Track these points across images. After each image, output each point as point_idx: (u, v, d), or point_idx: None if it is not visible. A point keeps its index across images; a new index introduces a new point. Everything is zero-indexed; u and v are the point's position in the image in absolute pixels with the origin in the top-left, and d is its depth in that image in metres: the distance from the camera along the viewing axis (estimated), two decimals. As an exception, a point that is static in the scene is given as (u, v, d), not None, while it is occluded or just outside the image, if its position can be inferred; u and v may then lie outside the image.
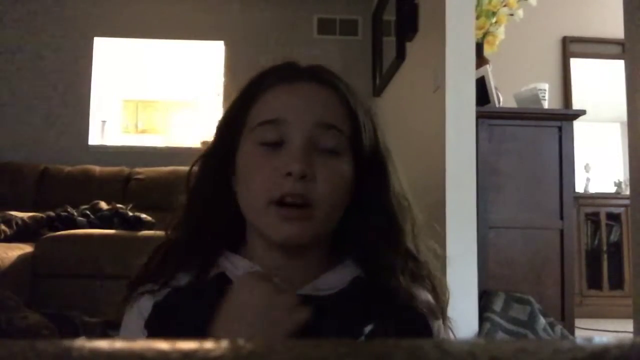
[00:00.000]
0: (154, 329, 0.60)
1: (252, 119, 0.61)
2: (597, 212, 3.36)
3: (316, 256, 0.62)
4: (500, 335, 2.01)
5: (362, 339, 0.56)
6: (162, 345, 0.18)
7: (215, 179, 0.64)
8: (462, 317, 2.03)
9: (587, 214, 3.35)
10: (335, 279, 0.61)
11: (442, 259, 0.67)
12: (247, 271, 0.59)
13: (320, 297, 0.60)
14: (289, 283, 0.58)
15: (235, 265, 0.62)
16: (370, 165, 0.62)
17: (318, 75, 0.62)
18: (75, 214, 2.86)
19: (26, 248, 2.59)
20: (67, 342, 0.18)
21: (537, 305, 2.13)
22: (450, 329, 0.65)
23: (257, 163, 0.59)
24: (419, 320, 0.61)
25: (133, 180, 3.39)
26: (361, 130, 0.62)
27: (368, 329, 0.58)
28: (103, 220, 2.80)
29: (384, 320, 0.58)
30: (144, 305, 0.61)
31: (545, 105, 2.49)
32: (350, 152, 0.61)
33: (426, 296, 0.63)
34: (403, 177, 0.66)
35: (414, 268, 0.62)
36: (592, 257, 3.31)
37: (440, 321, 0.64)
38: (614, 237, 3.35)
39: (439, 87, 2.19)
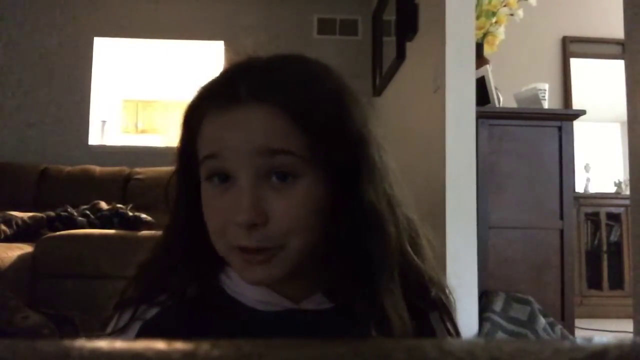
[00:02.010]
0: None
1: (198, 149, 0.55)
2: (597, 212, 3.36)
3: (310, 274, 0.57)
4: (500, 335, 2.01)
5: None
6: (162, 345, 0.18)
7: (187, 205, 0.58)
8: (462, 317, 2.03)
9: (587, 214, 3.35)
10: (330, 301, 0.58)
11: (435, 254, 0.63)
12: (260, 294, 0.56)
13: (322, 310, 0.56)
14: (291, 299, 0.56)
15: (236, 284, 0.58)
16: (344, 173, 0.54)
17: (257, 92, 0.52)
18: (75, 214, 2.86)
19: (26, 248, 2.59)
20: (67, 342, 0.17)
21: (537, 305, 2.13)
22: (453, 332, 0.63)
23: (209, 203, 0.54)
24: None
25: (133, 180, 3.39)
26: (323, 141, 0.52)
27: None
28: (103, 220, 2.80)
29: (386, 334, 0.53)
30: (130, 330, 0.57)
31: (545, 105, 2.49)
32: (315, 168, 0.52)
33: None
34: (392, 176, 0.58)
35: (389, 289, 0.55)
36: (592, 257, 3.31)
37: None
38: (614, 237, 3.35)
39: (439, 87, 2.19)
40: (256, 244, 0.51)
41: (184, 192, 0.58)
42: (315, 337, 0.49)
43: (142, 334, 0.56)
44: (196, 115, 0.55)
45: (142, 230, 2.68)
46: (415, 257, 0.58)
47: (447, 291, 0.62)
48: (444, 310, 0.61)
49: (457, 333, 0.62)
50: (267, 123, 0.51)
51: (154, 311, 0.57)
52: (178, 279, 0.57)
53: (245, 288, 0.57)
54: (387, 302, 0.53)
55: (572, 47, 3.76)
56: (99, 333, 0.59)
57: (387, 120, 3.27)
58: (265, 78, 0.53)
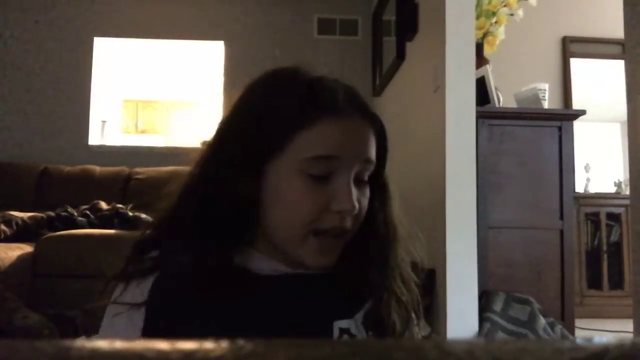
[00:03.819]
0: (158, 302, 0.60)
1: (298, 147, 0.59)
2: (597, 212, 3.36)
3: None
4: (500, 335, 2.01)
5: (364, 311, 0.64)
6: (162, 345, 0.18)
7: (224, 182, 0.61)
8: (462, 317, 2.03)
9: (587, 214, 3.35)
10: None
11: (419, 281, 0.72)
12: (263, 263, 0.64)
13: (317, 275, 0.64)
14: (289, 265, 0.64)
15: (251, 259, 0.64)
16: (378, 189, 0.67)
17: (360, 108, 0.63)
18: (75, 214, 2.86)
19: (26, 248, 2.58)
20: (67, 342, 0.17)
21: (537, 305, 2.13)
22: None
23: (304, 194, 0.60)
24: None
25: (133, 180, 3.39)
26: (385, 163, 0.67)
27: (368, 304, 0.64)
28: (103, 220, 2.79)
29: (380, 298, 0.64)
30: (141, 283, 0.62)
31: (545, 105, 2.49)
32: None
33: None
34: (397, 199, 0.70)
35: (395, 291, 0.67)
36: (592, 257, 3.31)
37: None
38: (614, 237, 3.35)
39: (439, 87, 2.19)
40: (350, 226, 0.61)
41: (228, 172, 0.61)
42: (315, 294, 0.58)
43: (156, 286, 0.61)
44: (301, 112, 0.60)
45: (142, 230, 2.68)
46: (408, 271, 0.69)
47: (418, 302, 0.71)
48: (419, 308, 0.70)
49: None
50: (371, 137, 0.63)
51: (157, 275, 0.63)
52: (206, 248, 0.62)
53: (259, 263, 0.64)
54: (394, 277, 0.66)
55: (572, 47, 3.76)
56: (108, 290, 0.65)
57: (387, 120, 3.26)
58: (359, 96, 0.64)
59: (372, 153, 0.63)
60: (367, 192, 0.64)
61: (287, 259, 0.63)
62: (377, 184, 0.66)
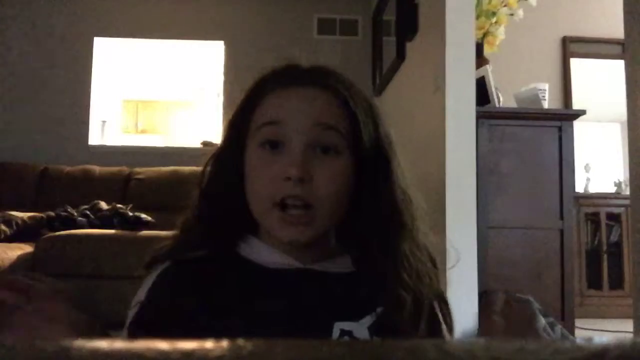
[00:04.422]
0: (162, 290, 0.63)
1: (255, 121, 0.64)
2: (597, 212, 3.36)
3: (320, 246, 0.66)
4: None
5: (373, 316, 0.62)
6: (162, 345, 0.18)
7: (226, 177, 0.66)
8: (462, 317, 2.03)
9: (587, 214, 3.35)
10: (336, 268, 0.66)
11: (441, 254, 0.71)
12: (271, 256, 0.64)
13: (331, 273, 0.65)
14: (302, 260, 0.64)
15: (256, 250, 0.66)
16: (373, 161, 0.65)
17: (318, 80, 0.64)
18: (75, 214, 2.86)
19: (26, 248, 2.59)
20: (67, 342, 0.18)
21: (537, 305, 2.13)
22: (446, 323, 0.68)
23: (260, 165, 0.63)
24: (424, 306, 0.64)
25: (133, 180, 3.39)
26: (361, 130, 0.64)
27: (379, 309, 0.62)
28: (103, 220, 2.79)
29: (394, 306, 0.61)
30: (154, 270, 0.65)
31: (545, 105, 2.49)
32: (351, 151, 0.64)
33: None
34: (406, 172, 0.68)
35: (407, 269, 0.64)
36: (592, 257, 3.31)
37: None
38: (614, 237, 3.35)
39: (439, 87, 2.19)
40: (301, 192, 0.60)
41: (224, 165, 0.67)
42: (320, 292, 0.58)
43: (162, 277, 0.64)
44: (260, 90, 0.65)
45: (142, 230, 2.68)
46: (417, 249, 0.66)
47: (440, 288, 0.69)
48: (443, 300, 0.68)
49: (451, 324, 0.68)
50: (325, 103, 0.63)
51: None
52: (217, 240, 0.65)
53: (260, 253, 0.65)
54: (405, 271, 0.63)
55: (572, 47, 3.76)
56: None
57: (387, 120, 3.26)
58: (323, 71, 0.66)
59: (329, 119, 0.62)
60: (338, 163, 0.62)
61: (286, 248, 0.64)
62: (372, 159, 0.65)
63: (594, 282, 3.27)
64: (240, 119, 0.66)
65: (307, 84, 0.64)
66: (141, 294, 0.64)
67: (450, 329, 0.67)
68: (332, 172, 0.62)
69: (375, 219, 0.64)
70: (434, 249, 0.70)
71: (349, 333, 0.60)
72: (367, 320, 0.61)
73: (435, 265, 0.68)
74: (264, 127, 0.63)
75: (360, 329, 0.61)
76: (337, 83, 0.65)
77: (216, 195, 0.66)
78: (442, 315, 0.67)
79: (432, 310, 0.66)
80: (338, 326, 0.61)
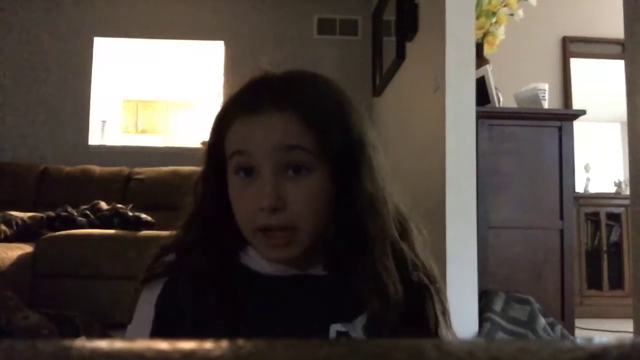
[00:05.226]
0: (166, 304, 0.65)
1: (227, 146, 0.65)
2: (597, 212, 3.36)
3: (310, 253, 0.66)
4: (500, 335, 2.01)
5: (362, 319, 0.62)
6: (162, 345, 0.18)
7: (214, 199, 0.67)
8: (462, 317, 2.03)
9: (587, 214, 3.35)
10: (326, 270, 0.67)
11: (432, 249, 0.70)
12: (268, 265, 0.65)
13: (323, 276, 0.65)
14: (296, 267, 0.65)
15: (254, 259, 0.67)
16: (345, 167, 0.64)
17: (279, 101, 0.63)
18: (75, 214, 2.86)
19: (26, 248, 2.58)
20: (67, 342, 0.17)
21: (537, 305, 2.13)
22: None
23: (236, 195, 0.64)
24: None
25: (133, 180, 3.39)
26: (329, 142, 0.62)
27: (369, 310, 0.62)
28: (103, 220, 2.79)
29: (380, 310, 0.61)
30: (155, 285, 0.66)
31: (545, 105, 2.49)
32: (324, 164, 0.63)
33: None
34: (384, 172, 0.67)
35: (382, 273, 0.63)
36: (592, 257, 3.31)
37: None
38: (614, 237, 3.35)
39: (439, 87, 2.19)
40: (276, 222, 0.60)
41: (211, 186, 0.67)
42: (315, 296, 0.59)
43: (168, 286, 0.65)
44: (225, 120, 0.65)
45: (142, 230, 2.68)
46: (400, 241, 0.67)
47: (433, 276, 0.69)
48: (427, 291, 0.67)
49: (443, 313, 0.68)
50: (284, 125, 0.62)
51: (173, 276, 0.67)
52: (202, 255, 0.66)
53: (258, 262, 0.66)
54: (382, 271, 0.63)
55: (572, 47, 3.76)
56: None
57: (387, 120, 3.27)
58: (283, 90, 0.64)
59: (292, 139, 0.61)
60: (309, 181, 0.62)
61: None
62: (345, 167, 0.64)
63: (594, 282, 3.26)
64: (215, 142, 0.66)
65: (268, 109, 0.62)
66: (148, 309, 0.65)
67: (444, 313, 0.68)
68: (305, 193, 0.62)
69: (342, 225, 0.64)
70: (432, 247, 0.71)
71: (344, 334, 0.62)
72: (361, 319, 0.63)
73: (418, 256, 0.68)
74: (234, 156, 0.63)
75: (355, 329, 0.62)
76: (299, 95, 0.63)
77: (209, 217, 0.68)
78: (433, 302, 0.67)
79: (421, 302, 0.66)
80: (334, 328, 0.62)
